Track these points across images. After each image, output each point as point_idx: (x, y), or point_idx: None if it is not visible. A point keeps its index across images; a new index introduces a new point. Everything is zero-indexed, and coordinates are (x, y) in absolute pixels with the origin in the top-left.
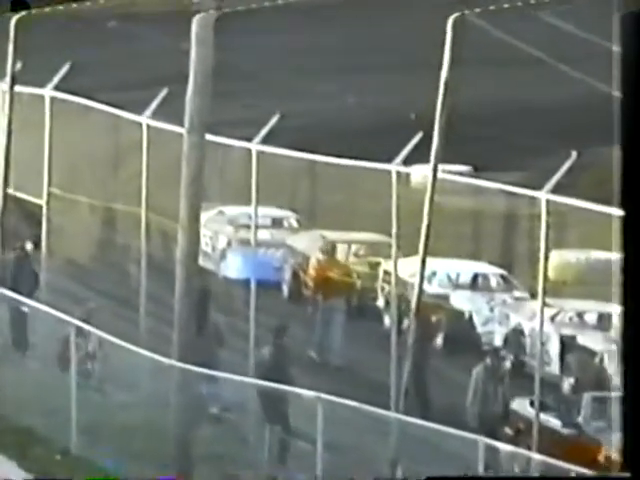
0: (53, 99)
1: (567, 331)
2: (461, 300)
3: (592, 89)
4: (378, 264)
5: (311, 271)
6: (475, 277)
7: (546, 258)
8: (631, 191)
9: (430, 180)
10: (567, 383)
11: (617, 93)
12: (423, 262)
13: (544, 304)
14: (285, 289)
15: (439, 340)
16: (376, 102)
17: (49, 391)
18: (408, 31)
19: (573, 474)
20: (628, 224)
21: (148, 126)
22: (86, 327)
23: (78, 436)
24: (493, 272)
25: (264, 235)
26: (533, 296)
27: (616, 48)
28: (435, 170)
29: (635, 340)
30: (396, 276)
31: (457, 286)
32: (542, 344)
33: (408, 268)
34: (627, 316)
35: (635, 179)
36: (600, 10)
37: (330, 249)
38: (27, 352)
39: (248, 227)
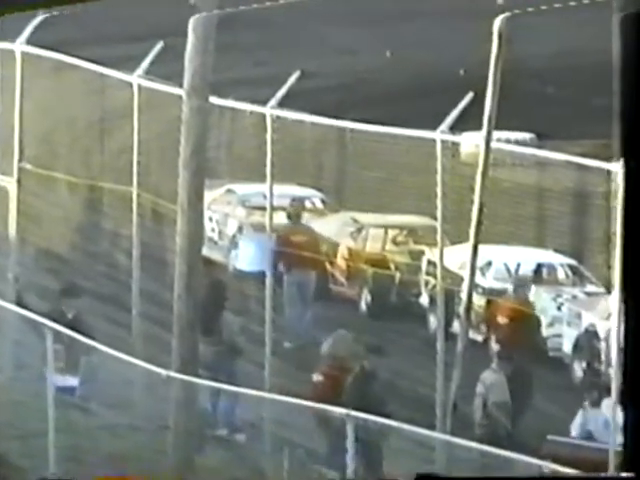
0: (24, 55)
1: None
2: None
3: None
4: (421, 253)
5: (340, 262)
6: (539, 268)
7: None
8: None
9: (483, 151)
10: None
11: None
12: (475, 250)
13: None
14: None
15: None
16: (417, 56)
17: (22, 411)
18: None
19: None
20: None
21: (140, 87)
22: (66, 332)
23: (57, 465)
24: (560, 262)
25: (282, 219)
26: (609, 290)
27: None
28: (489, 138)
29: (636, 335)
30: (442, 267)
31: (517, 279)
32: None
33: (457, 258)
34: (628, 306)
35: (636, 178)
36: None
37: (363, 235)
38: None
39: (263, 209)
